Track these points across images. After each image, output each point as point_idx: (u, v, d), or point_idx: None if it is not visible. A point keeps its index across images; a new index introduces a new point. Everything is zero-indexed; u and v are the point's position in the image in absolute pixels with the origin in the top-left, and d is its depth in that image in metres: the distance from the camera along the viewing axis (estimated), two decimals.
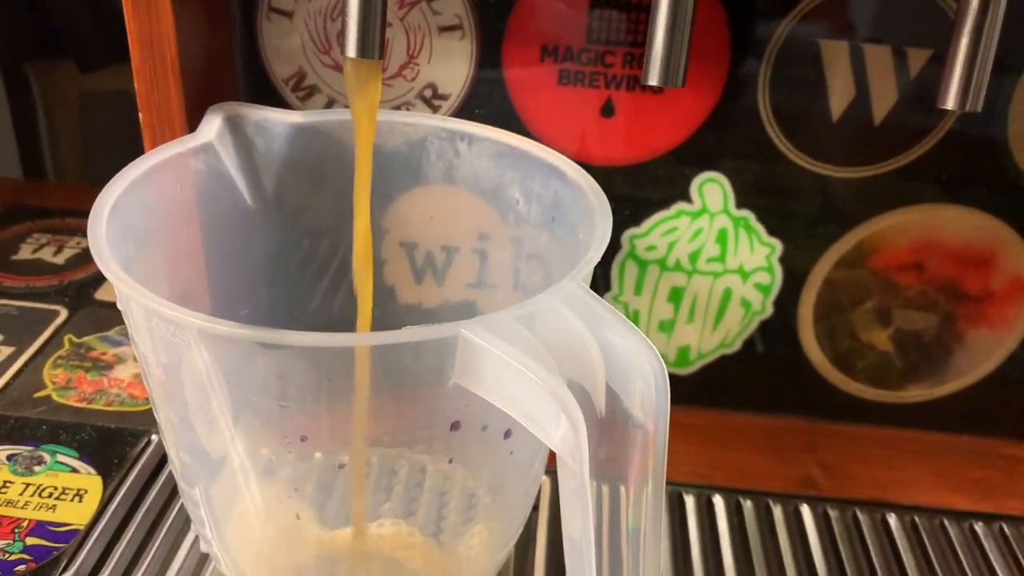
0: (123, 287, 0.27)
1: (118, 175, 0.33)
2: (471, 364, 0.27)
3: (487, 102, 0.43)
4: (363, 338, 0.27)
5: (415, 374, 0.27)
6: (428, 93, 0.43)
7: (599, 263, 0.49)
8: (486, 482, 0.33)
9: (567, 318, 0.27)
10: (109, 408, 0.48)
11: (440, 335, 0.26)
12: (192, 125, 0.38)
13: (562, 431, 0.25)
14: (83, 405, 0.48)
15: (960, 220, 0.45)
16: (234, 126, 0.38)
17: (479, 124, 0.39)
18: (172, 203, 0.36)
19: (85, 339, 0.54)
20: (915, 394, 0.50)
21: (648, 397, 0.27)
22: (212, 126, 0.37)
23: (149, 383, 0.31)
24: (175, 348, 0.28)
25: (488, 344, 0.26)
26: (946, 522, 0.45)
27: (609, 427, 0.28)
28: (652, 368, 0.26)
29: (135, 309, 0.28)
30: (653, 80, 0.32)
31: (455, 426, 0.29)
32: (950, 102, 0.30)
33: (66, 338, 0.53)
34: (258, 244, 0.40)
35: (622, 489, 0.28)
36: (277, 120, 0.39)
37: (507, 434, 0.31)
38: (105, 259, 0.28)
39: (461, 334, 0.26)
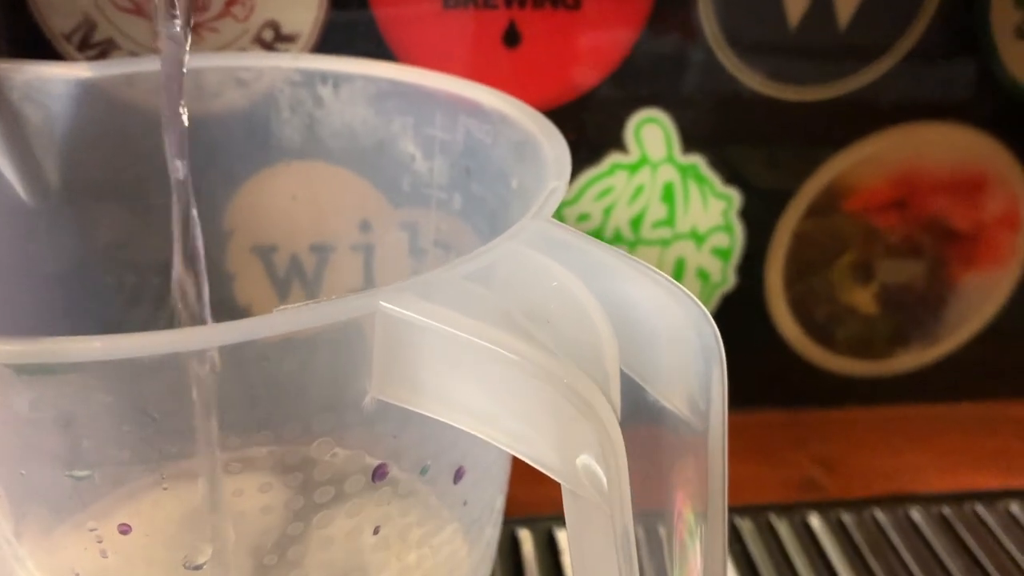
0: None
1: None
2: (400, 360, 0.16)
3: (350, 41, 0.32)
4: (201, 335, 0.15)
5: (304, 393, 0.16)
6: (269, 35, 0.32)
7: None
8: (429, 554, 0.21)
9: (544, 269, 0.17)
10: None
11: (342, 316, 0.15)
12: None
13: (582, 447, 0.14)
14: None
15: (944, 140, 0.37)
16: None
17: (345, 58, 0.28)
18: None
19: None
20: (906, 361, 0.42)
21: (691, 382, 0.17)
22: None
23: None
24: None
25: (428, 319, 0.15)
26: (979, 508, 0.37)
27: (630, 433, 0.17)
28: (700, 334, 0.16)
29: None
30: None
31: (379, 474, 0.18)
32: None
33: None
34: (44, 257, 0.28)
35: (659, 528, 0.18)
36: (56, 78, 0.27)
37: (458, 474, 0.20)
38: None
39: (380, 309, 0.15)
